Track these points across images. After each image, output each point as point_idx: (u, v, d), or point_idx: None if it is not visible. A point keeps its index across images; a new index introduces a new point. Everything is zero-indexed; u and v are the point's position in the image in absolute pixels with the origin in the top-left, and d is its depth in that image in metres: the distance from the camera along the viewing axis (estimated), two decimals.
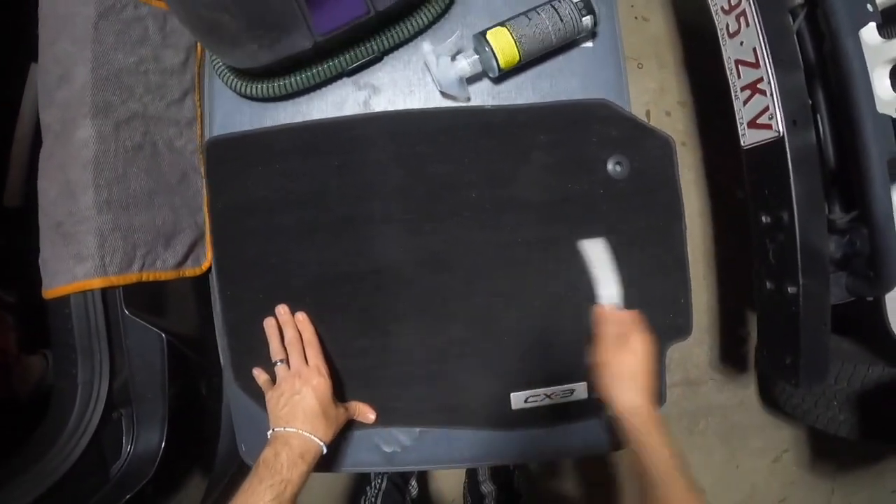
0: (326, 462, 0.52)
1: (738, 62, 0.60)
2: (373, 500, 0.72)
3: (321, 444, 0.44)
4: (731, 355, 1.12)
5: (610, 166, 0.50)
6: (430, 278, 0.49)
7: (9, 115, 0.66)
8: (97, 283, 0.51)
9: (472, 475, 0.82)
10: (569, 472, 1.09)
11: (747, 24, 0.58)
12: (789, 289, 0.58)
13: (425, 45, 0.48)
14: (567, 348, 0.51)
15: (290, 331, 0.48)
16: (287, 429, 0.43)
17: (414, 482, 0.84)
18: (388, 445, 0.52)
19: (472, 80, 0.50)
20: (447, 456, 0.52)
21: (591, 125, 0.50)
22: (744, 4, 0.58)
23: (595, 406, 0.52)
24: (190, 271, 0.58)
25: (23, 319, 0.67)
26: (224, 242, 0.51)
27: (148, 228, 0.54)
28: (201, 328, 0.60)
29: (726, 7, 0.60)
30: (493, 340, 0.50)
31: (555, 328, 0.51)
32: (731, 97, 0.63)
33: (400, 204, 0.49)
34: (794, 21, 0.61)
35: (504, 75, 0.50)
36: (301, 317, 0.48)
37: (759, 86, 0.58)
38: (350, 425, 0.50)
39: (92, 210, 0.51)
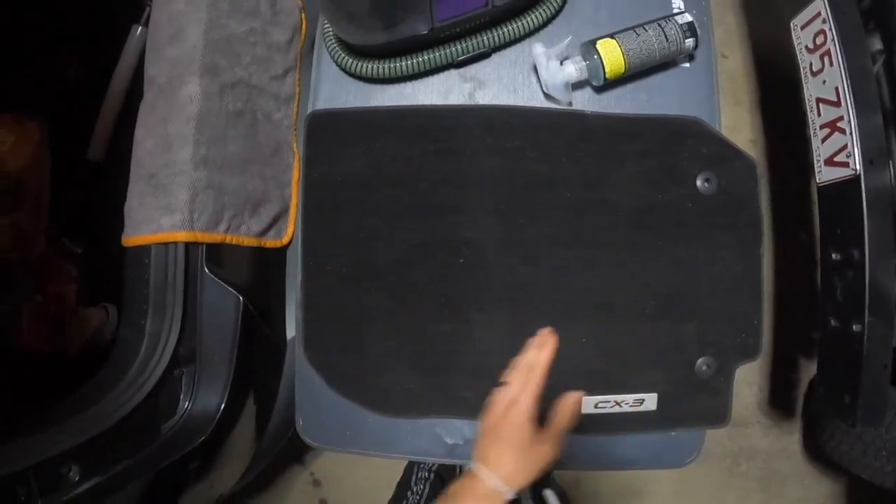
0: (382, 445, 0.52)
1: (819, 100, 0.62)
2: None
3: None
4: (779, 399, 1.11)
5: (699, 182, 0.52)
6: (517, 270, 0.49)
7: (104, 74, 0.67)
8: (182, 236, 0.51)
9: None
10: (609, 494, 1.06)
11: (831, 64, 0.60)
12: (854, 326, 0.59)
13: (538, 47, 0.50)
14: (642, 356, 0.51)
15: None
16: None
17: None
18: (450, 437, 0.51)
19: (576, 86, 0.52)
20: None
21: (683, 140, 0.52)
22: (829, 44, 0.60)
23: (663, 419, 0.51)
24: (271, 242, 0.58)
25: (87, 272, 0.67)
26: (314, 212, 0.51)
27: (238, 193, 0.55)
28: (271, 301, 0.60)
29: (811, 46, 0.63)
30: (571, 340, 0.50)
31: (632, 334, 0.51)
32: (803, 137, 0.65)
33: (495, 195, 0.50)
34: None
35: (605, 85, 0.52)
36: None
37: (838, 124, 0.60)
38: (415, 413, 0.50)
39: (188, 164, 0.52)
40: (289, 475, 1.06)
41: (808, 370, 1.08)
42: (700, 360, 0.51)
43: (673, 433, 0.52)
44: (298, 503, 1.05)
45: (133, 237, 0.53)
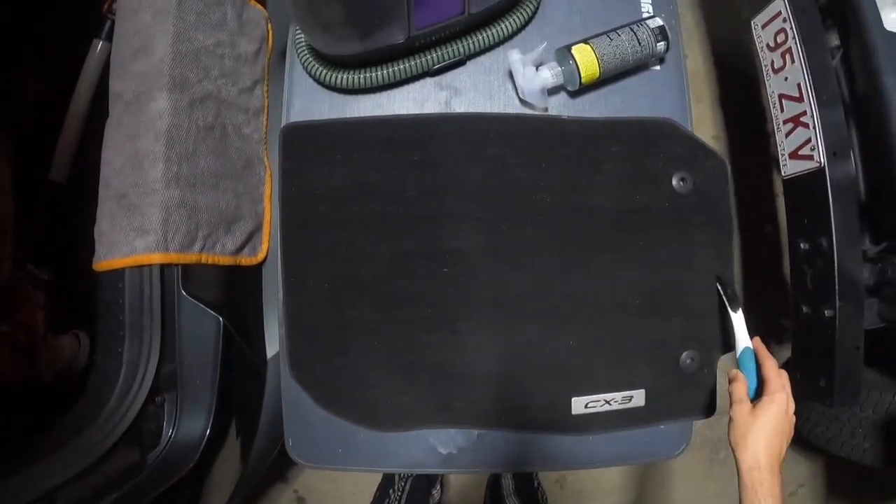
0: (376, 460, 0.51)
1: (781, 96, 0.65)
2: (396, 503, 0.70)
3: None
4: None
5: (675, 181, 0.53)
6: (502, 277, 0.50)
7: (64, 90, 0.64)
8: (157, 258, 0.49)
9: (494, 488, 0.80)
10: (593, 491, 1.07)
11: (793, 62, 0.62)
12: (826, 312, 0.61)
13: (513, 53, 0.50)
14: (629, 354, 0.52)
15: None
16: None
17: (438, 486, 0.82)
18: (444, 447, 0.51)
19: (551, 91, 0.52)
20: (504, 460, 0.51)
21: (658, 141, 0.53)
22: (790, 42, 0.63)
23: (652, 414, 0.52)
24: (246, 260, 0.57)
25: (55, 299, 0.64)
26: (293, 228, 0.50)
27: (212, 210, 0.53)
28: (248, 320, 0.58)
29: (772, 44, 0.65)
30: (559, 343, 0.50)
31: (618, 333, 0.51)
32: (763, 132, 0.68)
33: (476, 203, 0.50)
34: None
35: (580, 90, 0.53)
36: None
37: (802, 119, 0.62)
38: (408, 425, 0.49)
39: (160, 183, 0.50)
40: (272, 493, 1.03)
41: (780, 356, 1.09)
42: (684, 355, 0.53)
43: (662, 426, 0.54)
44: None
45: (105, 261, 0.51)
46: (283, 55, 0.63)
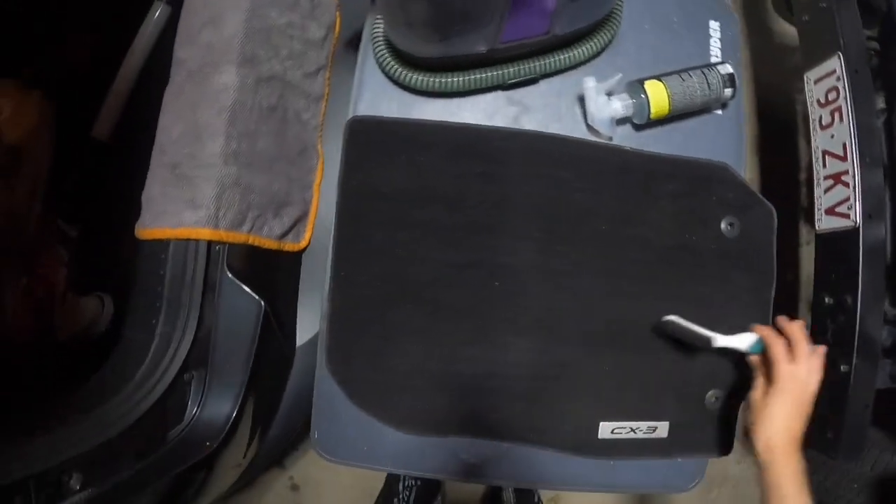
0: (400, 461, 0.51)
1: (825, 152, 0.67)
2: None
3: None
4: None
5: (723, 225, 0.54)
6: (550, 297, 0.50)
7: (118, 49, 0.63)
8: (206, 233, 0.49)
9: (494, 502, 0.81)
10: None
11: (841, 120, 0.64)
12: (842, 367, 0.63)
13: (590, 80, 0.50)
14: (658, 386, 0.53)
15: None
16: None
17: (439, 499, 0.82)
18: (470, 456, 0.51)
19: (618, 122, 0.53)
20: (528, 475, 0.52)
21: (712, 184, 0.54)
22: (840, 101, 0.64)
23: (672, 447, 0.53)
24: (290, 245, 0.56)
25: (82, 257, 0.62)
26: (349, 223, 0.50)
27: (264, 192, 0.53)
28: (283, 307, 0.57)
29: (822, 101, 0.67)
30: (596, 367, 0.51)
31: (651, 364, 0.52)
32: (795, 181, 0.69)
33: (535, 221, 0.50)
34: None
35: (646, 124, 0.53)
36: None
37: (843, 178, 0.64)
38: (439, 432, 0.49)
39: (218, 158, 0.49)
40: (266, 478, 1.02)
41: None
42: (710, 393, 0.54)
43: (679, 460, 0.55)
44: None
45: (151, 229, 0.50)
46: (347, 45, 0.62)
